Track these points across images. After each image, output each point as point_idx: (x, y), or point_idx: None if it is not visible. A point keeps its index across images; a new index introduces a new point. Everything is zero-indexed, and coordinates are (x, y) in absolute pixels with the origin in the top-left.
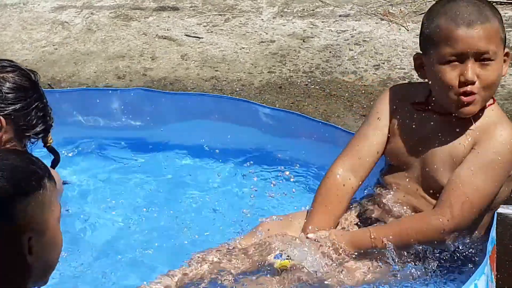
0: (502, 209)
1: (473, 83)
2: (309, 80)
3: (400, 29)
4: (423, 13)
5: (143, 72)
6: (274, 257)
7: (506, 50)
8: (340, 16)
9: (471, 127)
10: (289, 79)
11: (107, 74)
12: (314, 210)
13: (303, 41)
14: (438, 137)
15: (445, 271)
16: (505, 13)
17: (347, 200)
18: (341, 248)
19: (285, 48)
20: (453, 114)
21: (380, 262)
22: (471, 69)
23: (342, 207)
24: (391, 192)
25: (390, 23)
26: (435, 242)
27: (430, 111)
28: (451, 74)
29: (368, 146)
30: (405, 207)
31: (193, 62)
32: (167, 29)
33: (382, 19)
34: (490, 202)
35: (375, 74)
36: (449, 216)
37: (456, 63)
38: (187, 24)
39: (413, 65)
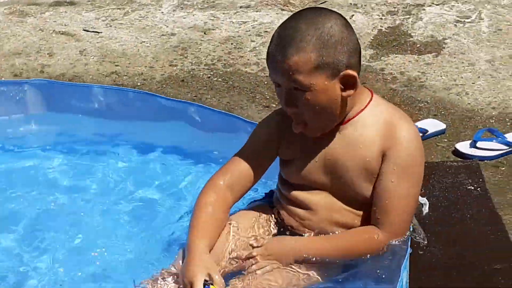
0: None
1: (290, 112)
2: (211, 73)
3: None
4: (323, 2)
5: (40, 69)
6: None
7: (344, 72)
8: (240, 7)
9: (368, 134)
10: (191, 72)
11: (3, 72)
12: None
13: (204, 33)
14: (342, 150)
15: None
16: (403, 1)
17: (224, 221)
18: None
19: (186, 41)
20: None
21: (314, 270)
22: (284, 98)
23: (221, 227)
24: (310, 211)
25: (291, 13)
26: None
27: None
28: (278, 96)
29: (246, 167)
30: (333, 227)
31: (92, 57)
32: (65, 25)
33: (282, 10)
34: (415, 206)
35: None
36: (390, 231)
37: (278, 88)
38: (85, 19)
39: None
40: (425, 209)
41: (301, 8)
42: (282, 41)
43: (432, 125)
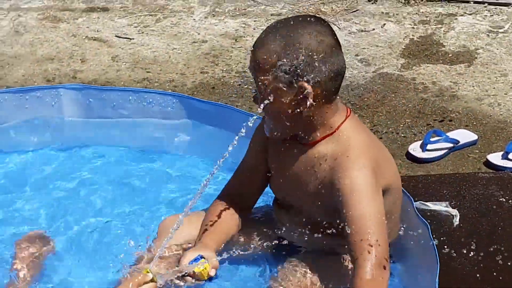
0: (423, 206)
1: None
2: (242, 80)
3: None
4: (355, 11)
5: (73, 74)
6: (190, 262)
7: (300, 84)
8: (272, 15)
9: (324, 163)
10: (222, 80)
11: (35, 77)
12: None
13: (236, 40)
14: (303, 170)
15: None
16: (435, 10)
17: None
18: None
19: (218, 48)
20: (302, 143)
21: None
22: (253, 96)
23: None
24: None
25: None
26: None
27: (293, 142)
28: None
29: (251, 178)
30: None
31: (124, 63)
32: (97, 30)
33: None
34: (384, 215)
35: None
36: (374, 260)
37: None
38: (117, 25)
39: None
40: (456, 221)
41: (332, 15)
42: (259, 37)
43: (464, 135)
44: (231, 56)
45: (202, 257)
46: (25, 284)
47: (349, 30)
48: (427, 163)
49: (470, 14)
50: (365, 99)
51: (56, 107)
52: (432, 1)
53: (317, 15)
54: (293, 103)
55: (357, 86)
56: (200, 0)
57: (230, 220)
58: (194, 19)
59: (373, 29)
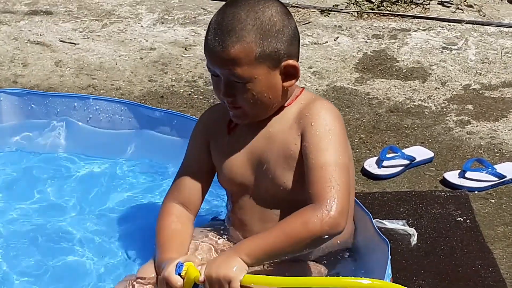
0: (380, 224)
1: (228, 100)
2: (192, 90)
3: None
4: (307, 23)
5: (13, 79)
6: (176, 272)
7: (285, 63)
8: None
9: (287, 122)
10: (171, 89)
11: None
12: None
13: (185, 49)
14: (264, 142)
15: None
16: (388, 25)
17: (190, 233)
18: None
19: (167, 56)
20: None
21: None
22: (223, 89)
23: (188, 239)
24: (245, 229)
25: None
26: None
27: (241, 125)
28: (215, 86)
29: (194, 178)
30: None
31: (68, 69)
32: (40, 34)
33: None
34: (349, 174)
35: None
36: (322, 203)
37: (215, 78)
38: (61, 29)
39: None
40: (413, 240)
41: None
42: (222, 30)
43: (420, 152)
44: (180, 64)
45: (182, 263)
46: None
47: (301, 42)
48: (383, 179)
49: (423, 30)
50: None
51: None
52: (385, 15)
53: None
54: (282, 83)
55: None
56: (148, 6)
57: (186, 230)
58: (142, 26)
59: (326, 42)
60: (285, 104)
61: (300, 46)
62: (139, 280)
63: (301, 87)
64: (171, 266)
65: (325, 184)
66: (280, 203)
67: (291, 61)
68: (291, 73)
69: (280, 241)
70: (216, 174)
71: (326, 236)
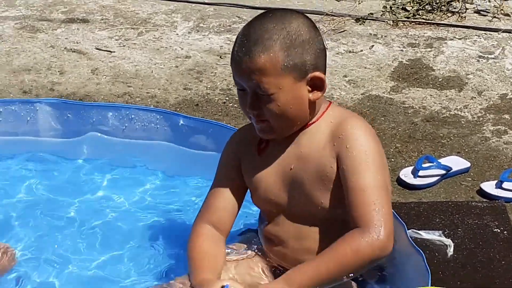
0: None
1: (254, 114)
2: (227, 98)
3: None
4: (342, 31)
5: (50, 86)
6: None
7: (312, 74)
8: None
9: (320, 141)
10: (206, 97)
11: (11, 88)
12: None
13: (220, 57)
14: (296, 161)
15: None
16: (424, 33)
17: (223, 254)
18: None
19: (202, 65)
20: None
21: None
22: (249, 102)
23: (221, 259)
24: (281, 246)
25: None
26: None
27: (271, 145)
28: (241, 101)
29: (225, 199)
30: (308, 255)
31: (104, 77)
32: (77, 42)
33: None
34: (390, 198)
35: None
36: (368, 225)
37: (242, 92)
38: (97, 37)
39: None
40: (450, 251)
41: None
42: (248, 40)
43: (456, 162)
44: (215, 72)
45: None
46: None
47: (336, 51)
48: (419, 189)
49: (459, 39)
50: None
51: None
52: (421, 24)
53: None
54: (308, 94)
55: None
56: (184, 15)
57: (218, 250)
58: (177, 34)
59: (361, 51)
60: (312, 120)
61: (335, 54)
62: None
63: (329, 100)
64: (215, 286)
65: (369, 207)
66: (317, 220)
67: (317, 73)
68: (317, 85)
69: (333, 271)
70: (248, 193)
71: (377, 260)
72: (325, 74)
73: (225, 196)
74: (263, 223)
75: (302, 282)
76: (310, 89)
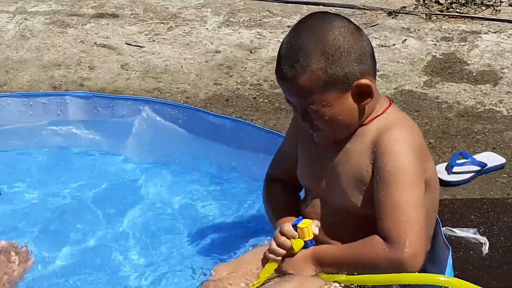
0: (450, 232)
1: (307, 125)
2: (257, 93)
3: None
4: (374, 25)
5: (80, 82)
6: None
7: (356, 83)
8: (288, 26)
9: (363, 144)
10: (236, 92)
11: (41, 84)
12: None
13: (251, 52)
14: (338, 157)
15: None
16: (458, 27)
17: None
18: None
19: (232, 59)
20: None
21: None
22: (299, 115)
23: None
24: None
25: None
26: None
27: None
28: (294, 112)
29: (290, 159)
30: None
31: (134, 72)
32: (106, 37)
33: None
34: (424, 208)
35: None
36: (393, 242)
37: (292, 104)
38: (127, 32)
39: None
40: (485, 249)
41: None
42: (287, 61)
43: (491, 158)
44: (245, 67)
45: (301, 218)
46: None
47: None
48: (453, 186)
49: (494, 32)
50: None
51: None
52: (455, 17)
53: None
54: (357, 102)
55: None
56: (214, 9)
57: (295, 198)
58: (207, 29)
59: (394, 45)
60: (367, 121)
61: None
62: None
63: (390, 100)
64: (289, 220)
65: (397, 225)
66: (349, 214)
67: (363, 80)
68: (365, 92)
69: (350, 267)
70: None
71: (396, 271)
72: (374, 74)
73: (290, 156)
74: (304, 199)
75: (322, 256)
76: (358, 96)
